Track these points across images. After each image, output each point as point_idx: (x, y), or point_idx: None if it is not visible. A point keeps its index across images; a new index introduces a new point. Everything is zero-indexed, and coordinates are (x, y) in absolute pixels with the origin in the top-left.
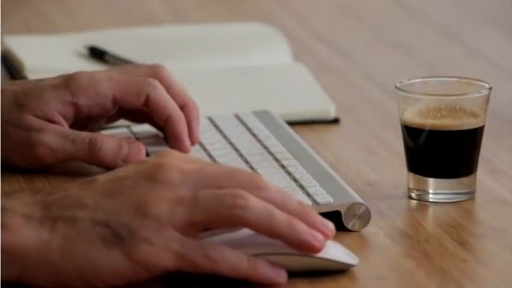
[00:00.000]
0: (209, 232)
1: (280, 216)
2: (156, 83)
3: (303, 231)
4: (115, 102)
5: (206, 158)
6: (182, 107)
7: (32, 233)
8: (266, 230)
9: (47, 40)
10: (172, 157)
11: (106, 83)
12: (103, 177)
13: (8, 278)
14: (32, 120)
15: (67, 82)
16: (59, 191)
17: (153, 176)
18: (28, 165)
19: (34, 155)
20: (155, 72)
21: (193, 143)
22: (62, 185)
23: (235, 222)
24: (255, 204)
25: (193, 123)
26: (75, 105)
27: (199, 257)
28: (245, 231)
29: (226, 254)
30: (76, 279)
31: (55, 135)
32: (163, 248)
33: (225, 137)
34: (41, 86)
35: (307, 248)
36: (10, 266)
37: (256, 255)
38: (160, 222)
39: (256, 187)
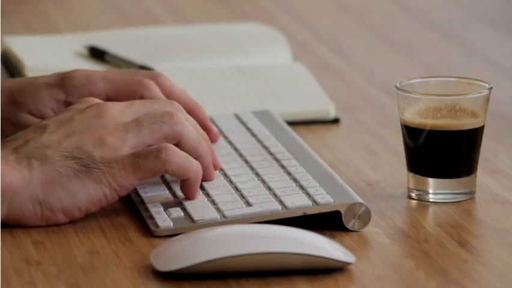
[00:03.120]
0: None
1: (204, 138)
2: (151, 84)
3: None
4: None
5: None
6: (189, 112)
7: (14, 172)
8: (196, 142)
9: (47, 40)
10: (99, 100)
11: (100, 82)
12: (51, 122)
13: None
14: (28, 118)
15: (63, 81)
16: (14, 140)
17: (98, 114)
18: None
19: None
20: (153, 79)
21: (216, 139)
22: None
23: (175, 137)
24: (184, 120)
25: (207, 123)
26: (69, 104)
27: (152, 162)
28: (245, 229)
29: (177, 154)
30: (57, 211)
31: None
32: (123, 168)
33: (225, 137)
34: (36, 85)
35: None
36: (1, 205)
37: (256, 254)
38: (116, 148)
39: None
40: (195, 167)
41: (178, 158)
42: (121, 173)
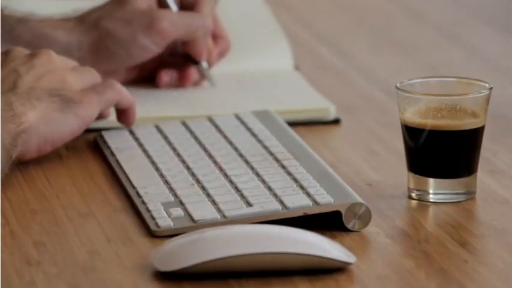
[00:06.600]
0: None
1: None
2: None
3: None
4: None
5: (205, 158)
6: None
7: (28, 113)
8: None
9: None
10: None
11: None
12: (17, 66)
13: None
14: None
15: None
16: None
17: (49, 59)
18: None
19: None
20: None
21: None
22: None
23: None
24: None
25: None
26: None
27: (111, 93)
28: (246, 229)
29: (121, 87)
30: (48, 143)
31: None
32: (90, 102)
33: (225, 137)
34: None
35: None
36: (22, 143)
37: (256, 254)
38: (76, 85)
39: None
40: (129, 96)
41: (123, 88)
42: (90, 107)
